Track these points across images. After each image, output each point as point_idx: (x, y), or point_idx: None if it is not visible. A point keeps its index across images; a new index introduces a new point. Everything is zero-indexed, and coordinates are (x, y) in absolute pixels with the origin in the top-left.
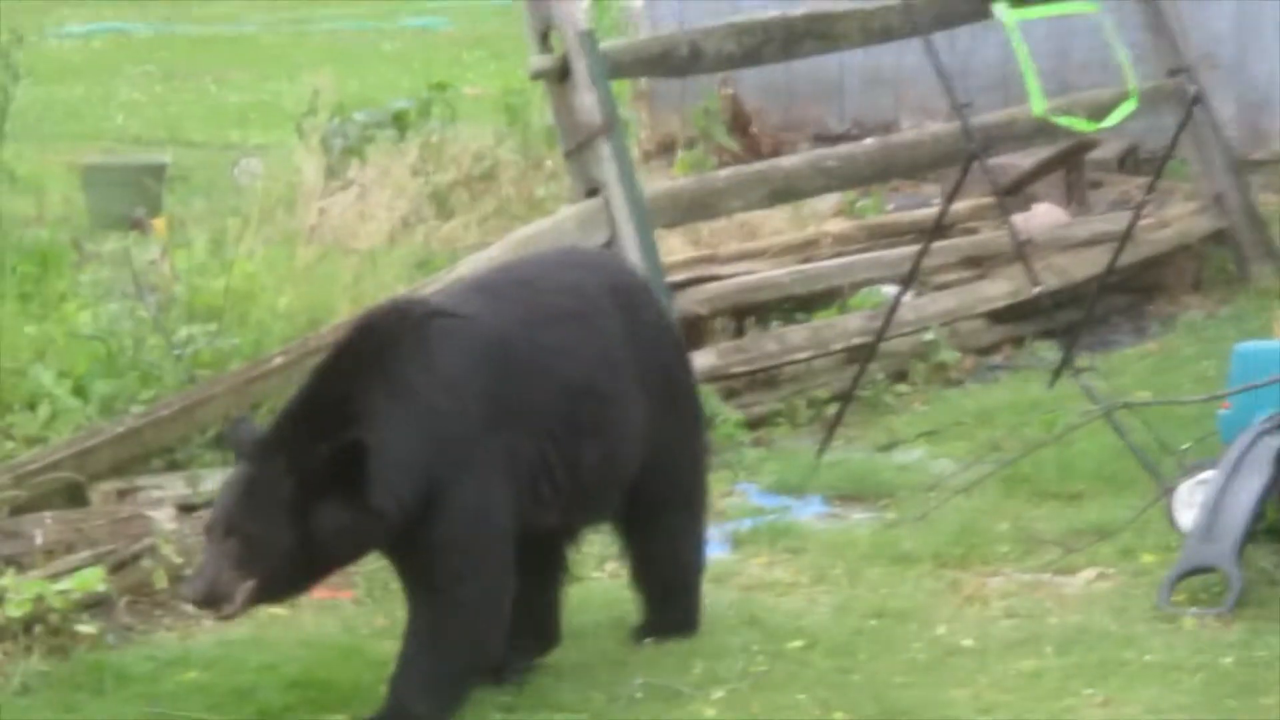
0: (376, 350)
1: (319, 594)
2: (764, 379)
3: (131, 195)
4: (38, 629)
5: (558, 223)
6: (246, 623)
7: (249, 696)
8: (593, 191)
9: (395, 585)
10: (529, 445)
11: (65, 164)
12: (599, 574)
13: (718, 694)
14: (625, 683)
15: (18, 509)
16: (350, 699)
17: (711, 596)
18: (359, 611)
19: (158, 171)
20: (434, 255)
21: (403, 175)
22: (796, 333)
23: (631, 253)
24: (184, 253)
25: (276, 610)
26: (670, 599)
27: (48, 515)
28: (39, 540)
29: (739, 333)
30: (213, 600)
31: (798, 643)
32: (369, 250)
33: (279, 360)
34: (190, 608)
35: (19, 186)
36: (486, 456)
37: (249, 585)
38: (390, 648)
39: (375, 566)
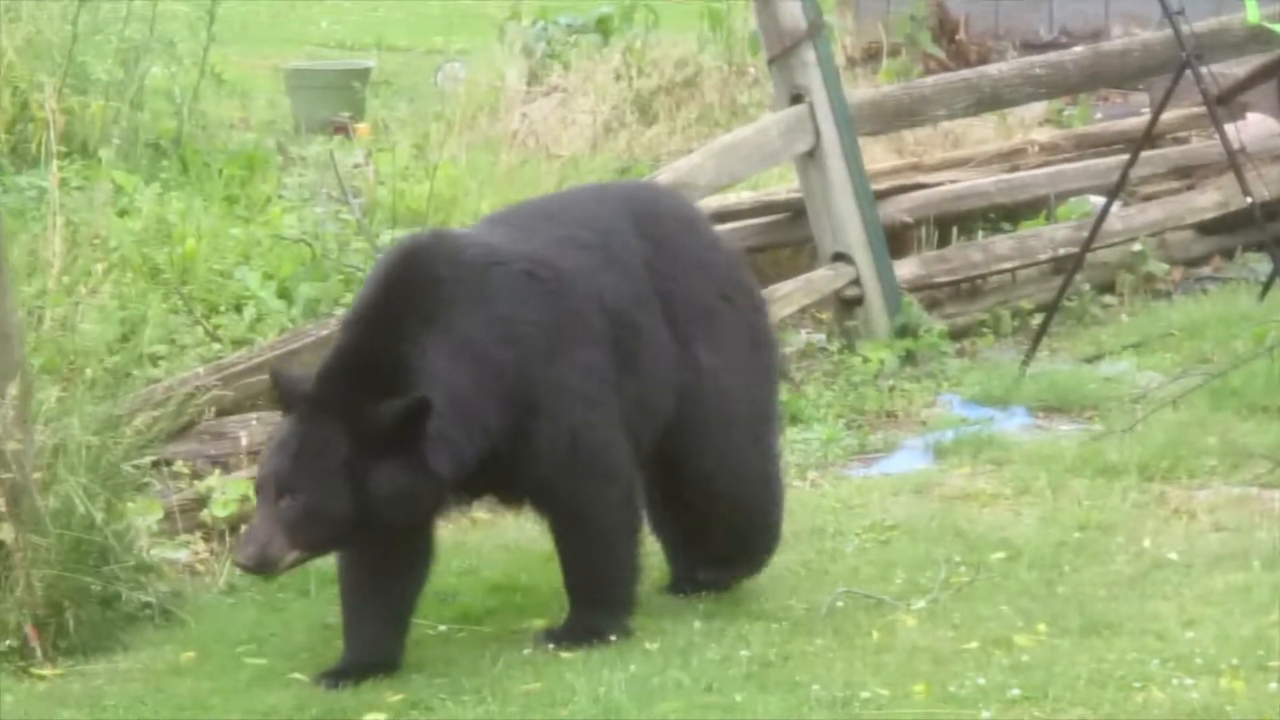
0: (429, 297)
1: None
2: (968, 289)
3: (336, 99)
4: (243, 529)
5: (760, 129)
6: (447, 527)
7: (451, 600)
8: (796, 98)
9: None
10: (600, 359)
11: (270, 68)
12: (799, 483)
13: (919, 604)
14: (826, 591)
15: (223, 410)
16: (550, 603)
17: (913, 507)
18: None
19: (362, 76)
20: (636, 161)
21: (605, 81)
22: (1002, 243)
23: (835, 160)
24: (387, 157)
25: (478, 515)
26: (729, 540)
27: (253, 417)
28: (244, 441)
29: (943, 242)
30: (263, 566)
31: (1000, 554)
32: (571, 156)
33: None
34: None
35: (225, 91)
36: (562, 383)
37: (298, 552)
38: None
39: None
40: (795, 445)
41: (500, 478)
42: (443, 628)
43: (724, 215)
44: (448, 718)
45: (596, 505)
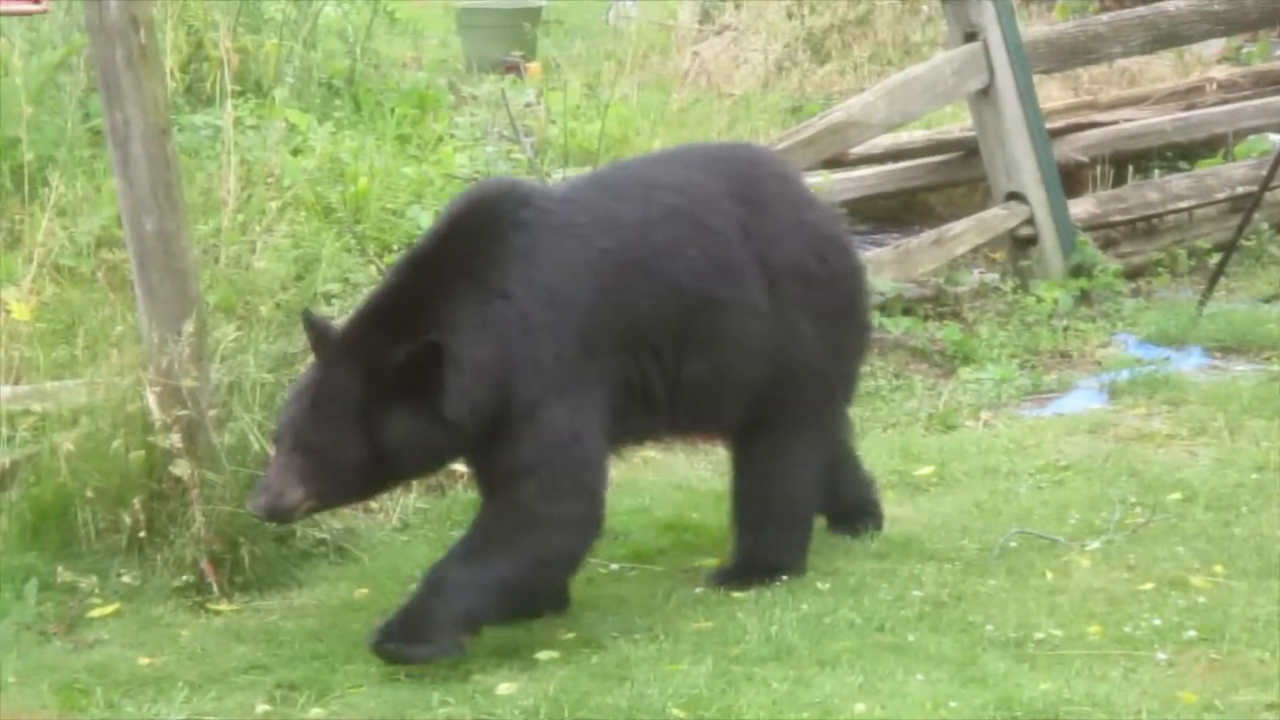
0: (473, 250)
1: (690, 439)
2: (1144, 228)
3: (507, 39)
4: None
5: (934, 67)
6: (620, 466)
7: (622, 539)
8: (970, 36)
9: None
10: (629, 364)
11: (443, 7)
12: (971, 423)
13: (1094, 545)
14: (999, 531)
15: None
16: (721, 542)
17: (1088, 447)
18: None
19: (533, 15)
20: (808, 100)
21: (777, 19)
22: (1178, 181)
23: (1009, 99)
24: (558, 95)
25: (649, 453)
26: (757, 534)
27: None
28: None
29: (1119, 181)
30: (275, 514)
31: (1176, 495)
32: (743, 94)
33: None
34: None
35: (397, 30)
36: (582, 378)
37: (312, 501)
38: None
39: None
40: (968, 385)
41: (488, 449)
42: (614, 566)
43: (897, 154)
44: (620, 656)
45: (559, 508)
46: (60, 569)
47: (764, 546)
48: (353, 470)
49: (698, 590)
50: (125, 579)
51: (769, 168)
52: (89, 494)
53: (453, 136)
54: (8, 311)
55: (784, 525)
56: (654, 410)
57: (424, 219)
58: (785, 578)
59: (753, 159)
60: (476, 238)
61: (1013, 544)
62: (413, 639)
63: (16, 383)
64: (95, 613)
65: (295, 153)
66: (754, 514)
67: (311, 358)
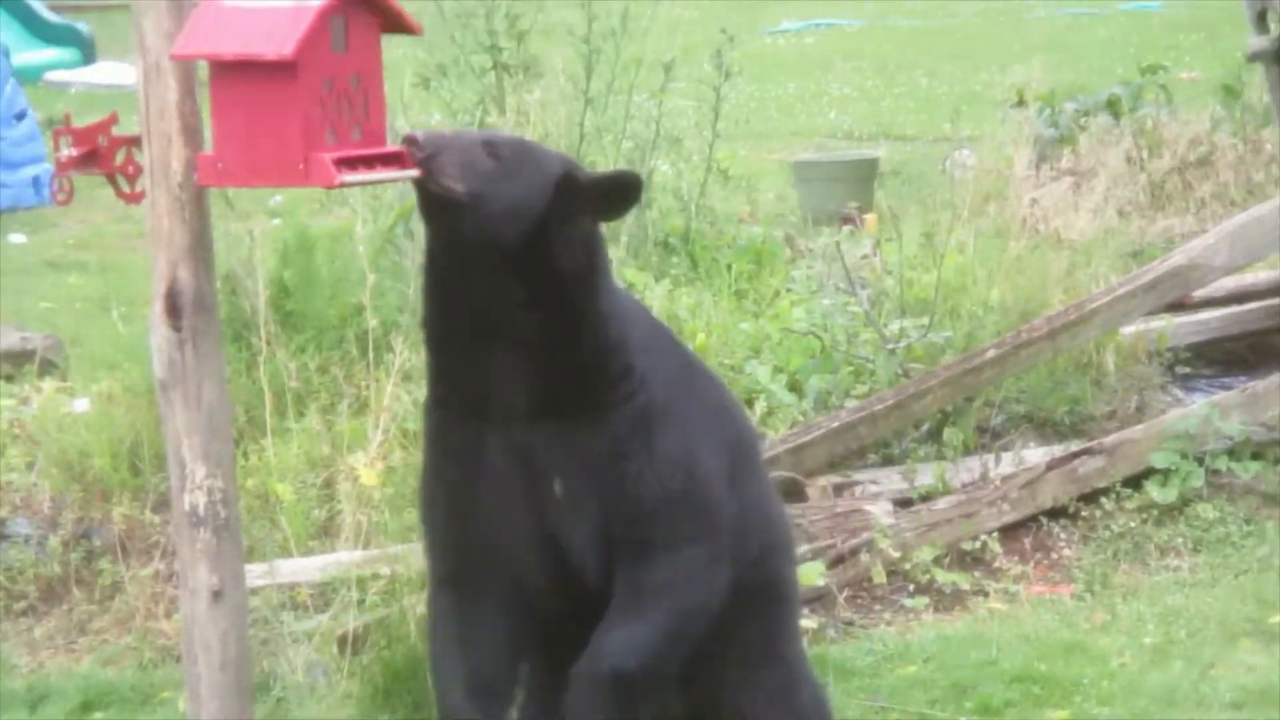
0: None
1: (1037, 589)
2: None
3: (844, 190)
4: None
5: (1277, 208)
6: (964, 618)
7: (969, 691)
8: None
9: (1116, 580)
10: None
11: (777, 161)
12: None
13: None
14: None
15: None
16: (1071, 694)
17: None
18: (1078, 606)
19: (869, 166)
20: (1149, 245)
21: (1116, 164)
22: None
23: None
24: (894, 246)
25: (994, 605)
26: None
27: None
28: None
29: None
30: (428, 153)
31: None
32: (1082, 241)
33: (991, 353)
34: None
35: (732, 185)
36: (688, 413)
37: (464, 199)
38: (1111, 643)
39: (1094, 561)
40: None
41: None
42: None
43: (1241, 295)
44: None
45: (684, 556)
46: None
47: None
48: (516, 219)
49: None
50: None
51: None
52: None
53: (789, 290)
54: (357, 477)
55: None
56: None
57: (762, 373)
58: None
59: None
60: None
61: None
62: None
63: (366, 547)
64: None
65: None
66: None
67: None
